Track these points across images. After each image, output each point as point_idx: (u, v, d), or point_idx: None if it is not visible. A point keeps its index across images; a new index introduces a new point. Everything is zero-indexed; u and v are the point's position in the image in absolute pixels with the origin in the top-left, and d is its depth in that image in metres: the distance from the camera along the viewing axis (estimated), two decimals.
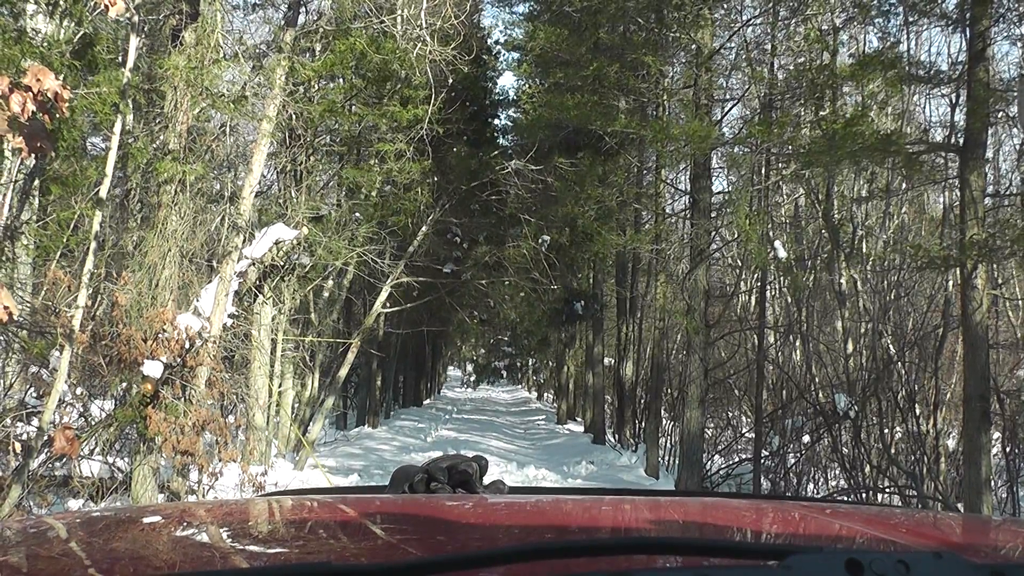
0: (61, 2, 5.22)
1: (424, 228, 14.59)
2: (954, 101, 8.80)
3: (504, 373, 33.49)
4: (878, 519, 1.22)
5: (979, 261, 5.64)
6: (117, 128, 5.49)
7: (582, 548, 0.74)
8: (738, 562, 0.73)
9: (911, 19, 7.14)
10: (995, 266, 9.49)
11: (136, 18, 5.43)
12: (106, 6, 3.19)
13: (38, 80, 2.92)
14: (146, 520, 1.14)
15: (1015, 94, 5.32)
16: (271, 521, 1.15)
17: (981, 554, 1.01)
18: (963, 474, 6.81)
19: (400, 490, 1.29)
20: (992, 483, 10.20)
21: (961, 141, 5.94)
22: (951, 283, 9.65)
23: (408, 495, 1.27)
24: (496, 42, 23.75)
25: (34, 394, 7.40)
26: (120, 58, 8.39)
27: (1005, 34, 6.60)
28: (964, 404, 6.56)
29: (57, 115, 2.85)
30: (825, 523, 1.17)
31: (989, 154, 14.10)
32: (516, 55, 21.77)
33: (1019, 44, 6.41)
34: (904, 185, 9.23)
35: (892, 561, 0.65)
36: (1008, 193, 6.46)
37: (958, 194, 7.16)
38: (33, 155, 2.98)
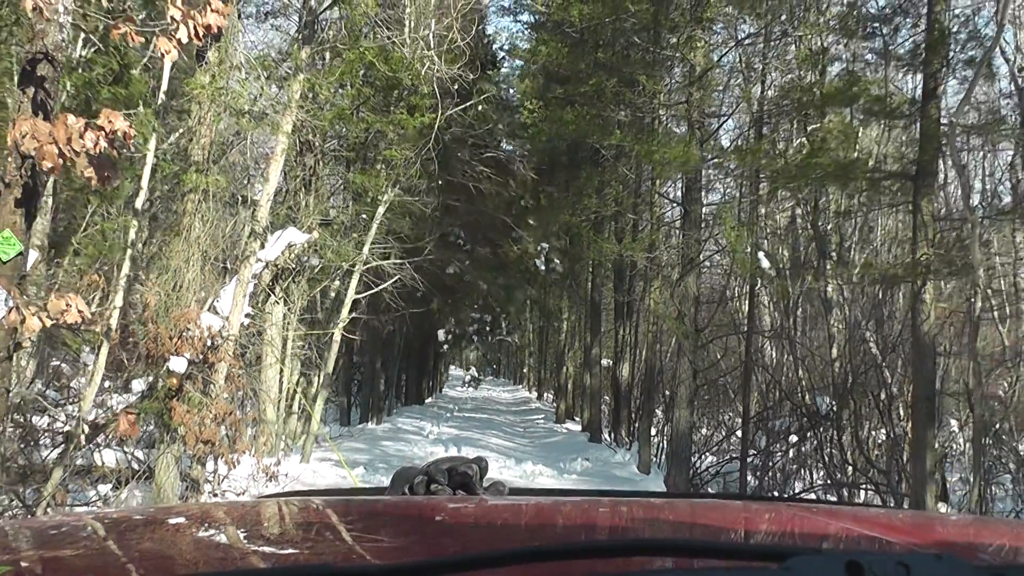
0: (115, 41, 5.76)
1: (390, 193, 13.27)
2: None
3: (475, 338, 33.67)
4: (877, 520, 1.23)
5: (926, 280, 6.16)
6: (152, 145, 6.03)
7: (582, 550, 0.74)
8: (738, 564, 0.73)
9: (871, 60, 7.69)
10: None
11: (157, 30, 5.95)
12: (163, 54, 3.72)
13: (110, 122, 3.46)
14: (149, 521, 1.16)
15: (960, 132, 5.84)
16: (271, 524, 1.15)
17: (981, 556, 1.01)
18: (911, 467, 7.32)
19: (400, 492, 1.30)
20: (970, 480, 10.70)
21: (916, 170, 6.53)
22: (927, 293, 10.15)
23: (408, 497, 1.27)
24: (500, 47, 24.27)
25: (55, 386, 7.94)
26: (146, 65, 8.92)
27: (955, 76, 7.15)
28: (912, 405, 7.11)
29: (124, 150, 3.39)
30: (824, 525, 1.18)
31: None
32: (519, 62, 22.27)
33: (967, 85, 6.95)
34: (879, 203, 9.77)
35: (892, 563, 0.65)
36: (955, 218, 6.99)
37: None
38: (102, 183, 3.51)
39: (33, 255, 3.93)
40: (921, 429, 6.45)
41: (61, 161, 3.28)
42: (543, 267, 21.01)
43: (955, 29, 6.80)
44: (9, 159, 3.80)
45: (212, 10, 3.82)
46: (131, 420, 4.65)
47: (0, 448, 4.40)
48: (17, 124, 3.45)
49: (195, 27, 3.85)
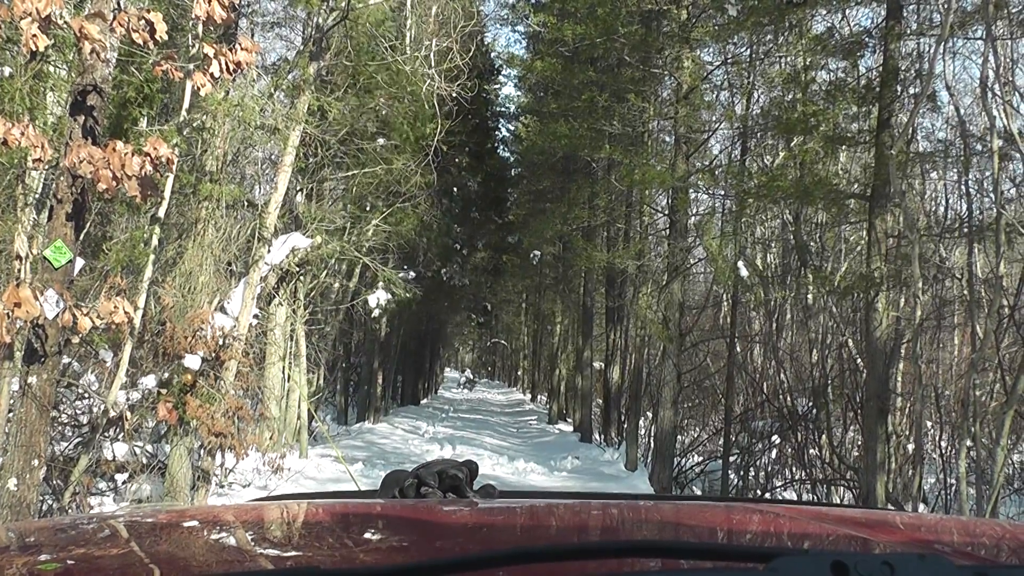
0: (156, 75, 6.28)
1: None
2: None
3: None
4: (863, 521, 1.24)
5: (878, 291, 6.73)
6: (173, 158, 6.52)
7: (571, 552, 0.75)
8: (725, 565, 0.74)
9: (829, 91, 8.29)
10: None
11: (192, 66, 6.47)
12: (198, 87, 4.24)
13: (155, 149, 3.98)
14: (138, 525, 1.15)
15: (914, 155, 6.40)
16: (262, 527, 1.15)
17: (965, 555, 1.02)
18: (863, 460, 7.87)
19: (390, 495, 1.30)
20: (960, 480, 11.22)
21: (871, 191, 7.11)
22: (902, 300, 10.71)
23: (398, 500, 1.28)
24: (498, 56, 24.79)
25: (67, 382, 8.42)
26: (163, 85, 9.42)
27: (908, 108, 7.70)
28: (864, 403, 7.66)
29: (167, 173, 3.89)
30: (809, 525, 1.18)
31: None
32: (516, 71, 22.79)
33: (917, 118, 7.52)
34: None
35: (877, 563, 0.65)
36: (905, 235, 7.51)
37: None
38: (145, 200, 4.02)
39: (80, 262, 4.44)
40: (872, 424, 7.00)
41: (115, 183, 3.79)
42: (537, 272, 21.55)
43: (904, 68, 7.39)
44: (61, 179, 4.31)
45: (242, 48, 4.33)
46: (168, 408, 5.15)
47: (51, 433, 4.89)
48: (73, 150, 3.96)
49: (226, 63, 4.37)
